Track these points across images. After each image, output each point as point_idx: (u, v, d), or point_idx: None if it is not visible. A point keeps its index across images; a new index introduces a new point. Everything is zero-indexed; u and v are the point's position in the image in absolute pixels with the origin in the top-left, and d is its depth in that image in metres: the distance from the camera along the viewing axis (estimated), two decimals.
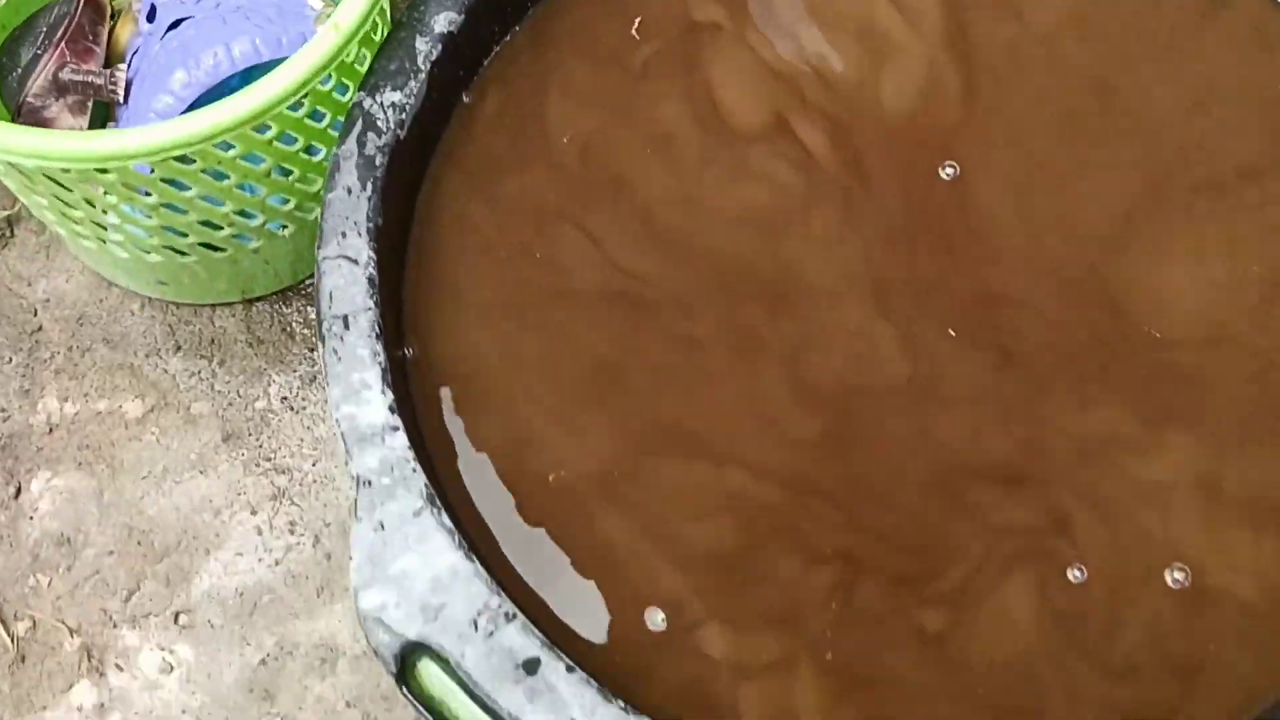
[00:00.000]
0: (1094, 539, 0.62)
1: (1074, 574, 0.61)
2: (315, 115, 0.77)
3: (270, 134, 0.74)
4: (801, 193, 0.70)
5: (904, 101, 0.71)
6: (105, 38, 0.89)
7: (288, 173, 0.81)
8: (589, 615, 0.61)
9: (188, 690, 0.84)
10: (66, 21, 0.86)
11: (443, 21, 0.69)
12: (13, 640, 0.86)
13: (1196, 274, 0.67)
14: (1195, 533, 0.62)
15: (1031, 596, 0.61)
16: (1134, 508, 0.62)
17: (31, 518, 0.89)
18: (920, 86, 0.72)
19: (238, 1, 0.83)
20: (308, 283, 0.94)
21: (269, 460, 0.90)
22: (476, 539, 0.61)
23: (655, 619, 0.61)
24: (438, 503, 0.58)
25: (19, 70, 0.85)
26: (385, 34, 0.72)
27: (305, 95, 0.73)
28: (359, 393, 0.60)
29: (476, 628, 0.56)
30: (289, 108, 0.73)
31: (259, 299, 0.94)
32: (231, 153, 0.74)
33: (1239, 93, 0.71)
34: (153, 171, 0.74)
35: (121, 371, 0.93)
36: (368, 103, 0.67)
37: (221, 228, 0.82)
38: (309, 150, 0.80)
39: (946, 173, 0.69)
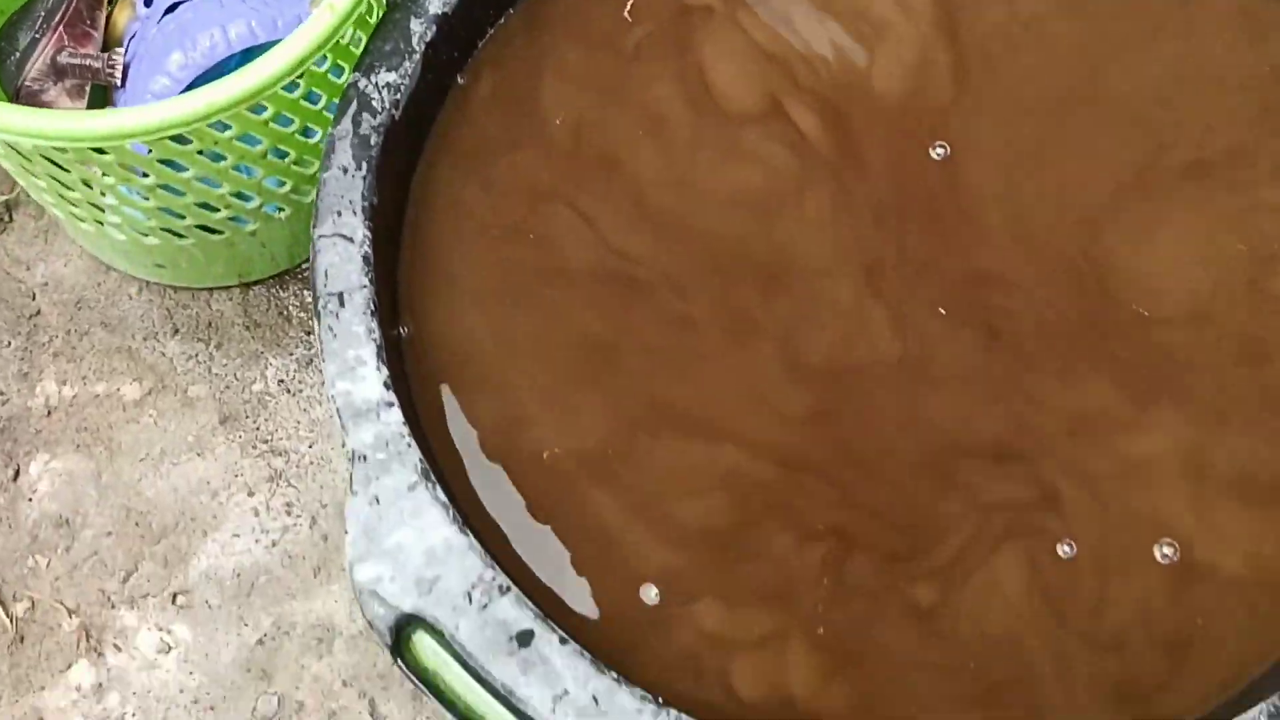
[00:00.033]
0: (1083, 515, 0.62)
1: (1063, 549, 0.62)
2: (311, 97, 0.77)
3: (266, 115, 0.75)
4: (794, 175, 0.70)
5: (895, 83, 0.72)
6: (103, 22, 0.89)
7: (284, 155, 0.81)
8: (583, 590, 0.61)
9: (185, 670, 0.85)
10: (64, 6, 0.86)
11: (437, 3, 0.69)
12: (11, 621, 0.86)
13: (1183, 253, 0.67)
14: (1183, 508, 0.62)
15: (1021, 572, 0.61)
16: (1123, 484, 0.63)
17: (30, 499, 0.90)
18: (911, 69, 0.72)
19: None
20: (304, 267, 0.95)
21: (266, 442, 0.90)
22: (471, 514, 0.62)
23: (649, 594, 0.61)
24: (432, 477, 0.59)
25: (17, 54, 0.86)
26: (380, 16, 0.72)
27: (301, 76, 0.73)
28: (354, 369, 0.61)
29: (471, 600, 0.57)
30: (285, 89, 0.73)
31: (256, 283, 0.95)
32: (228, 134, 0.74)
33: (1226, 74, 0.71)
34: (150, 152, 0.74)
35: (119, 355, 0.93)
36: (363, 83, 0.67)
37: (218, 210, 0.82)
38: (305, 132, 0.80)
39: (937, 153, 0.69)
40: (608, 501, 0.63)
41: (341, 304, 0.62)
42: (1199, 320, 0.66)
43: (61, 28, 0.86)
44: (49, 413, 0.92)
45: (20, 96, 0.86)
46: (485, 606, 0.57)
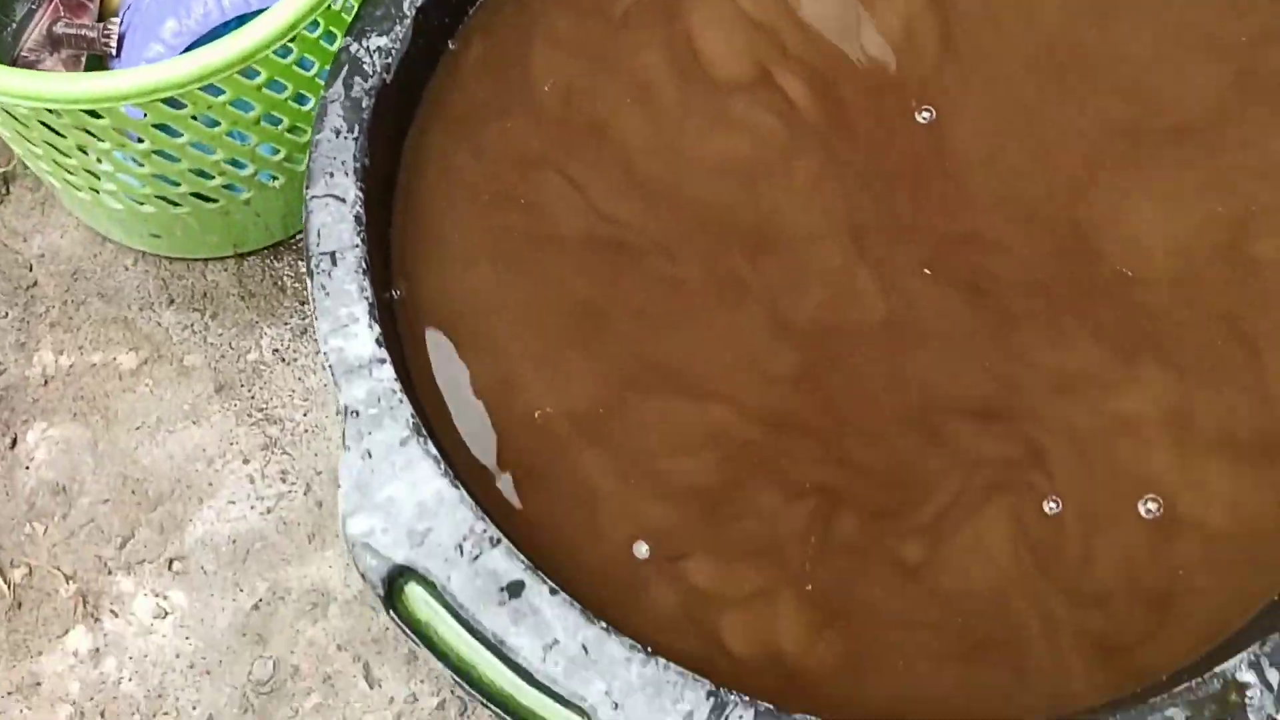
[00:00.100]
0: (1068, 471, 0.63)
1: (1049, 505, 0.62)
2: (303, 63, 0.78)
3: (259, 79, 0.75)
4: (782, 142, 0.70)
5: (882, 50, 0.72)
6: None
7: (277, 121, 0.82)
8: (573, 547, 0.62)
9: (181, 635, 0.86)
10: None
11: None
12: (9, 587, 0.87)
13: (1166, 215, 0.68)
14: (1167, 464, 0.63)
15: (1007, 528, 0.62)
16: (1107, 440, 0.63)
17: (28, 467, 0.90)
18: (898, 34, 0.72)
19: None
20: (298, 238, 0.95)
21: (261, 411, 0.91)
22: (461, 470, 0.62)
23: (640, 550, 0.62)
24: (423, 431, 0.59)
25: (13, 25, 0.86)
26: None
27: (293, 40, 0.74)
28: (346, 326, 0.61)
29: (462, 552, 0.57)
30: (277, 53, 0.74)
31: (250, 253, 0.95)
32: (221, 98, 0.75)
33: (1208, 43, 0.72)
34: (145, 116, 0.75)
35: (115, 325, 0.94)
36: (354, 47, 0.68)
37: (213, 177, 0.83)
38: (298, 99, 0.81)
39: (923, 116, 0.70)
40: (598, 461, 0.64)
41: (334, 263, 0.63)
42: (1180, 280, 0.66)
43: None
44: (46, 382, 0.93)
45: (16, 67, 0.86)
46: (476, 558, 0.57)
